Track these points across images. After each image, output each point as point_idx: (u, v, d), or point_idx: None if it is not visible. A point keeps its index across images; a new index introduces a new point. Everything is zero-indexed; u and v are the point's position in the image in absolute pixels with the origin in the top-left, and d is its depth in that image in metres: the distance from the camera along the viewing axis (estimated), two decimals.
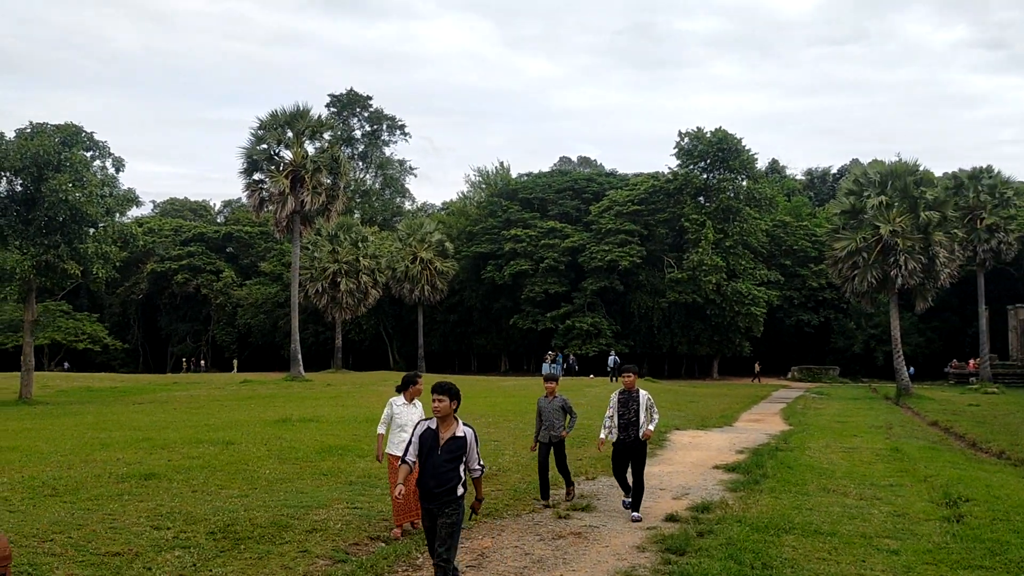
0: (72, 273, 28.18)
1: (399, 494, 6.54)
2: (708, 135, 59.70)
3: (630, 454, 10.22)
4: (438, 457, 6.23)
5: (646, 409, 10.14)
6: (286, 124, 45.62)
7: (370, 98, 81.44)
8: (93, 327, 69.20)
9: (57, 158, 26.65)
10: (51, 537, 8.00)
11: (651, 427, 10.19)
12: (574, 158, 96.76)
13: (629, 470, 10.45)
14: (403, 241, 62.71)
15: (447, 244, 62.56)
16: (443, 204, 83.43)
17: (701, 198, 61.28)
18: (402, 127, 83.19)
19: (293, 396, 31.74)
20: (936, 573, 7.79)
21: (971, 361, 52.50)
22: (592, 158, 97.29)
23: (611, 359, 46.95)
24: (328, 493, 10.99)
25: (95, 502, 9.88)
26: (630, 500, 10.24)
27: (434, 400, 6.37)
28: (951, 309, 58.71)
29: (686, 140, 60.64)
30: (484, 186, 76.69)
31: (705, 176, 60.82)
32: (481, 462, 6.49)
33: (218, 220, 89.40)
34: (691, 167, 60.55)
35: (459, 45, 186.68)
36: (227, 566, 7.48)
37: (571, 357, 54.86)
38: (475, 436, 6.43)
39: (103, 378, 45.93)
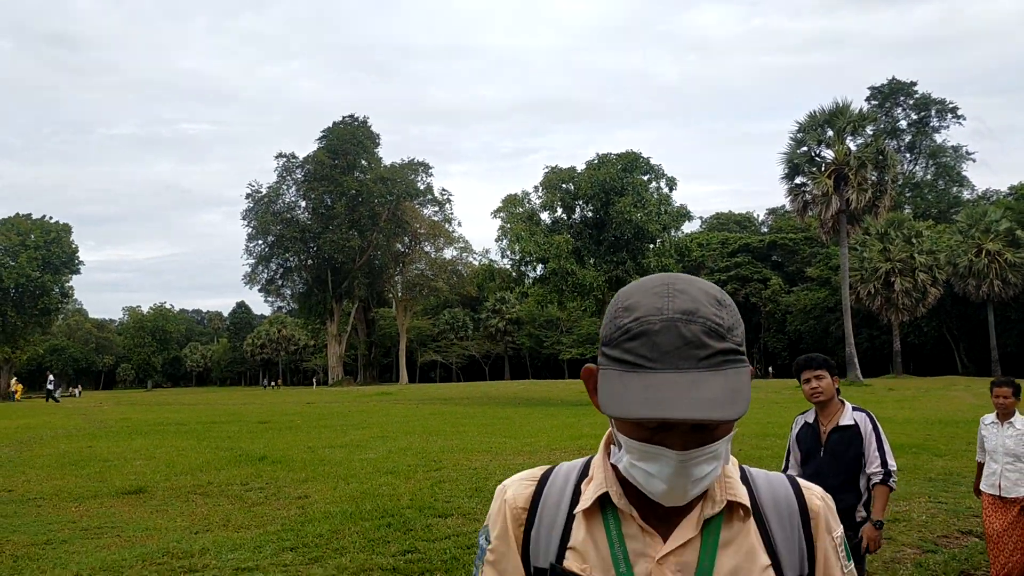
0: None
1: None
2: None
3: None
4: (820, 459, 5.05)
5: None
6: (825, 123, 44.83)
7: (914, 84, 75.82)
8: None
9: (620, 183, 29.85)
10: None
11: None
12: None
13: None
14: (964, 233, 56.83)
15: (1018, 232, 55.05)
16: (1009, 189, 73.70)
17: None
18: (953, 110, 75.76)
19: (852, 399, 30.75)
20: None
21: None
22: None
23: None
24: (907, 488, 10.58)
25: None
26: None
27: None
28: None
29: None
30: None
31: None
32: (889, 462, 4.96)
33: (762, 230, 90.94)
34: None
35: (1018, 10, 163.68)
36: None
37: None
38: (873, 423, 5.05)
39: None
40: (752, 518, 1.31)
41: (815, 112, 45.23)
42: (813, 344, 70.55)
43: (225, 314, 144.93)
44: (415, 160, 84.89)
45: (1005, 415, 6.37)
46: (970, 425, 18.33)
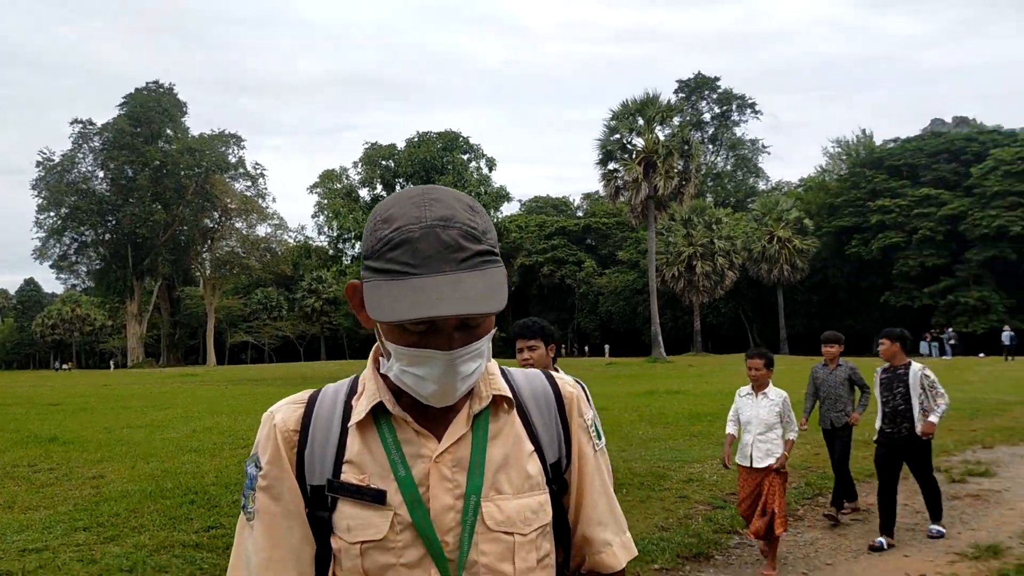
0: None
1: None
2: None
3: (901, 455, 7.30)
4: None
5: (922, 391, 7.25)
6: (636, 112, 46.76)
7: (718, 79, 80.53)
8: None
9: (440, 162, 29.87)
10: None
11: (934, 418, 7.15)
12: (948, 120, 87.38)
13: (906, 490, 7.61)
14: (758, 221, 61.18)
15: (806, 221, 59.87)
16: (799, 180, 79.97)
17: None
18: (752, 105, 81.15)
19: (656, 375, 32.51)
20: None
21: None
22: (971, 117, 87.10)
23: (1006, 336, 41.78)
24: (701, 451, 11.28)
25: None
26: (884, 541, 6.93)
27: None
28: None
29: None
30: (844, 157, 72.15)
31: None
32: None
33: (577, 214, 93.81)
34: None
35: (810, 16, 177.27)
36: None
37: (951, 335, 49.62)
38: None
39: None
40: (515, 410, 1.41)
41: (627, 101, 47.05)
42: (623, 324, 73.78)
43: (12, 292, 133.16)
44: (226, 132, 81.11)
45: (759, 386, 6.58)
46: None
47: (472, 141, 34.26)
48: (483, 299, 1.21)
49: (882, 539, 6.94)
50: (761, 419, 6.45)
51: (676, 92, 79.56)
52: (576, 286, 76.56)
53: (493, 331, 1.34)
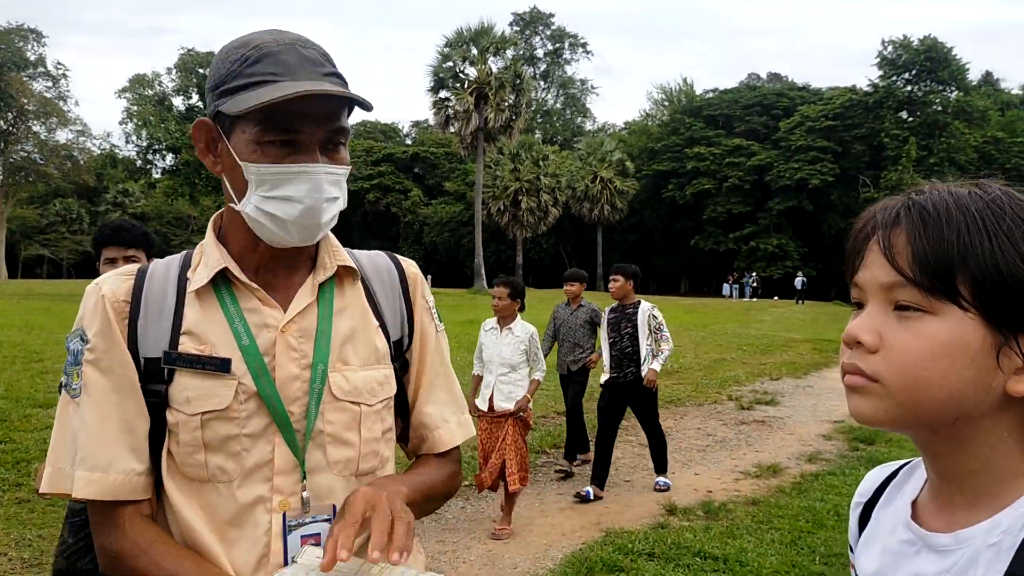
0: None
1: None
2: (915, 43, 55.23)
3: (625, 401, 6.75)
4: None
5: (649, 334, 6.60)
6: (471, 41, 46.25)
7: (552, 16, 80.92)
8: None
9: None
10: None
11: (656, 364, 6.54)
12: (763, 75, 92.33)
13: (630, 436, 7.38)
14: (583, 160, 62.57)
15: (627, 163, 61.88)
16: (624, 124, 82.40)
17: (904, 112, 57.09)
18: (584, 45, 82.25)
19: (477, 305, 32.91)
20: None
21: None
22: (783, 74, 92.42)
23: (798, 281, 45.36)
24: None
25: None
26: (592, 491, 6.38)
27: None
28: None
29: (889, 49, 56.40)
30: (666, 104, 74.87)
31: (909, 88, 56.49)
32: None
33: (406, 142, 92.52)
34: (894, 78, 56.37)
35: None
36: None
37: (754, 279, 53.39)
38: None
39: None
40: (360, 283, 1.41)
41: (462, 29, 46.40)
42: (447, 255, 74.08)
43: None
44: (24, 26, 73.41)
45: (504, 320, 5.82)
46: None
47: None
48: (349, 92, 1.24)
49: (590, 488, 6.31)
50: (504, 358, 5.71)
51: (511, 24, 79.38)
52: (401, 215, 75.90)
53: (350, 167, 1.34)
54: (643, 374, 6.50)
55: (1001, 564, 0.73)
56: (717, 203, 59.65)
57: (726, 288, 51.71)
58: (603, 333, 6.76)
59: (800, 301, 43.04)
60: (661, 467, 6.76)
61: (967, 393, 0.75)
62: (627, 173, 61.56)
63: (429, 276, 70.85)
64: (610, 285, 6.79)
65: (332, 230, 1.38)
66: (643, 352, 6.52)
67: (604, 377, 6.69)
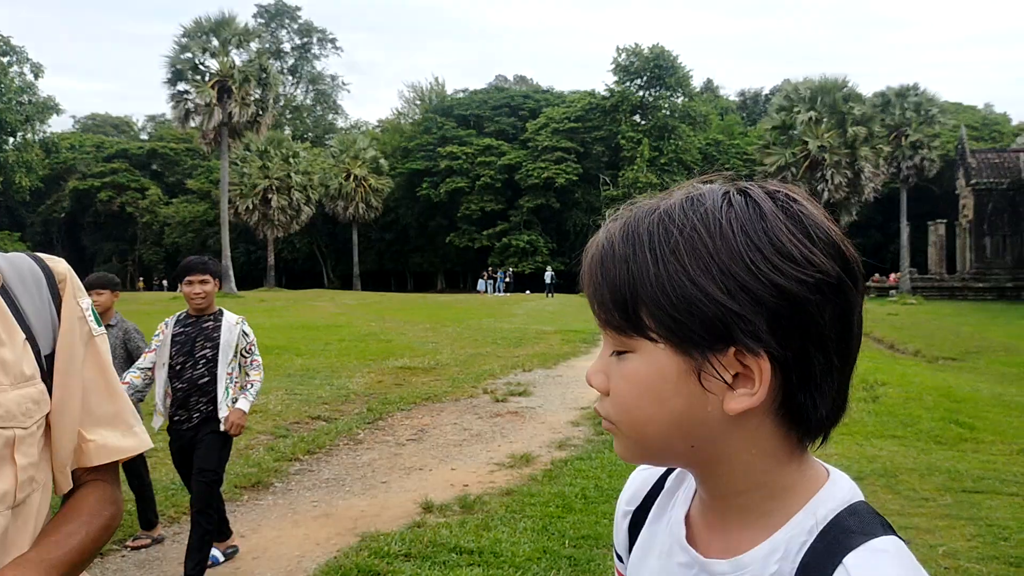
0: None
1: None
2: (645, 51, 59.53)
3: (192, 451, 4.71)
4: None
5: (234, 357, 4.84)
6: (211, 32, 43.94)
7: (299, 9, 78.87)
8: (15, 246, 66.96)
9: None
10: None
11: (245, 404, 4.76)
12: (510, 77, 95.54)
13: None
14: (336, 158, 61.56)
15: (381, 161, 61.67)
16: (378, 121, 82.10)
17: (637, 116, 61.40)
18: (333, 40, 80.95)
19: (225, 308, 31.42)
20: (853, 442, 8.25)
21: (892, 275, 54.40)
22: (529, 77, 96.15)
23: (548, 275, 47.46)
24: (267, 383, 11.07)
25: None
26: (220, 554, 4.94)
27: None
28: (875, 226, 60.52)
29: (623, 56, 60.38)
30: (418, 103, 75.46)
31: (641, 93, 60.81)
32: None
33: (142, 137, 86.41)
34: (628, 84, 60.45)
35: None
36: None
37: (508, 274, 55.22)
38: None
39: None
40: (1, 293, 1.21)
41: (201, 19, 43.97)
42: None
43: None
44: None
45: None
46: (329, 330, 20.06)
47: (13, 41, 29.66)
48: None
49: (216, 553, 4.86)
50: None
51: (255, 17, 76.40)
52: (139, 215, 70.81)
53: None
54: (221, 415, 4.63)
55: None
56: (471, 201, 61.00)
57: (481, 284, 53.03)
58: (153, 358, 4.78)
59: (550, 294, 44.98)
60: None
61: (684, 422, 0.74)
62: (381, 171, 61.35)
63: (165, 282, 66.77)
64: (184, 288, 4.81)
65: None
66: (221, 385, 4.68)
67: (158, 422, 4.80)
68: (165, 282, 67.48)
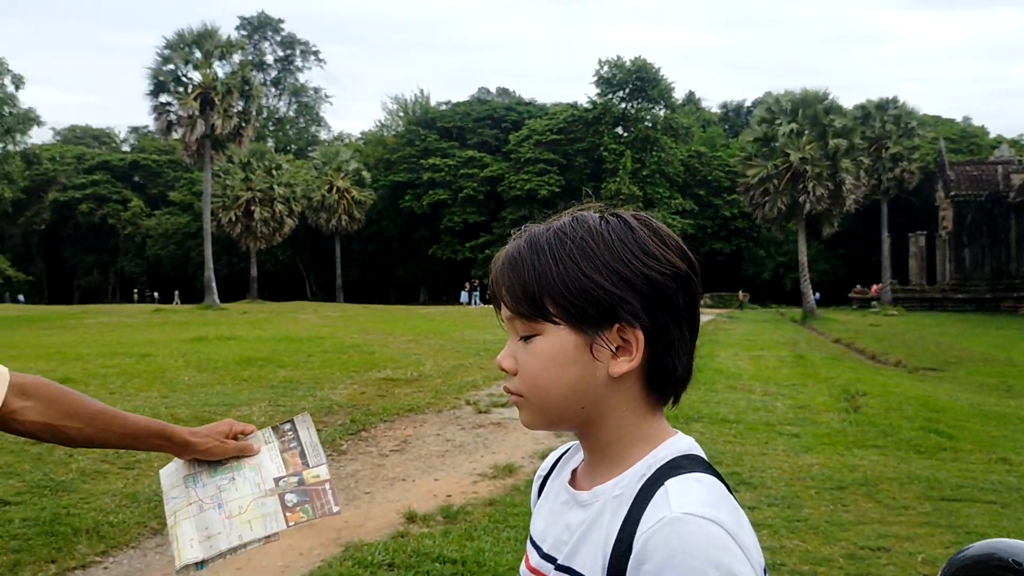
0: None
1: None
2: (627, 64, 59.92)
3: None
4: None
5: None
6: (193, 44, 43.86)
7: (282, 21, 79.03)
8: None
9: None
10: None
11: None
12: (492, 90, 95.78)
13: None
14: (319, 170, 61.45)
15: (364, 173, 61.61)
16: (361, 133, 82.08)
17: (619, 128, 61.73)
18: (316, 53, 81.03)
19: (208, 322, 31.23)
20: (834, 452, 8.32)
21: (873, 286, 54.84)
22: (511, 90, 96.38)
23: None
24: (250, 395, 11.04)
25: None
26: None
27: None
28: (856, 237, 61.04)
29: (605, 68, 60.75)
30: (401, 115, 75.51)
31: (624, 105, 61.16)
32: None
33: (124, 148, 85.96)
34: (610, 96, 60.79)
35: None
36: None
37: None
38: None
39: (6, 308, 44.36)
40: None
41: (183, 31, 43.92)
42: (173, 269, 69.68)
43: None
44: None
45: None
46: (312, 342, 19.98)
47: None
48: None
49: None
50: None
51: (238, 29, 76.40)
52: (121, 227, 70.38)
53: None
54: None
55: (623, 510, 0.94)
56: (453, 213, 61.07)
57: (464, 296, 53.00)
58: None
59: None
60: None
61: (578, 386, 0.96)
62: (364, 183, 61.32)
63: (156, 294, 66.32)
64: None
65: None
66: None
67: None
68: (156, 294, 66.89)
